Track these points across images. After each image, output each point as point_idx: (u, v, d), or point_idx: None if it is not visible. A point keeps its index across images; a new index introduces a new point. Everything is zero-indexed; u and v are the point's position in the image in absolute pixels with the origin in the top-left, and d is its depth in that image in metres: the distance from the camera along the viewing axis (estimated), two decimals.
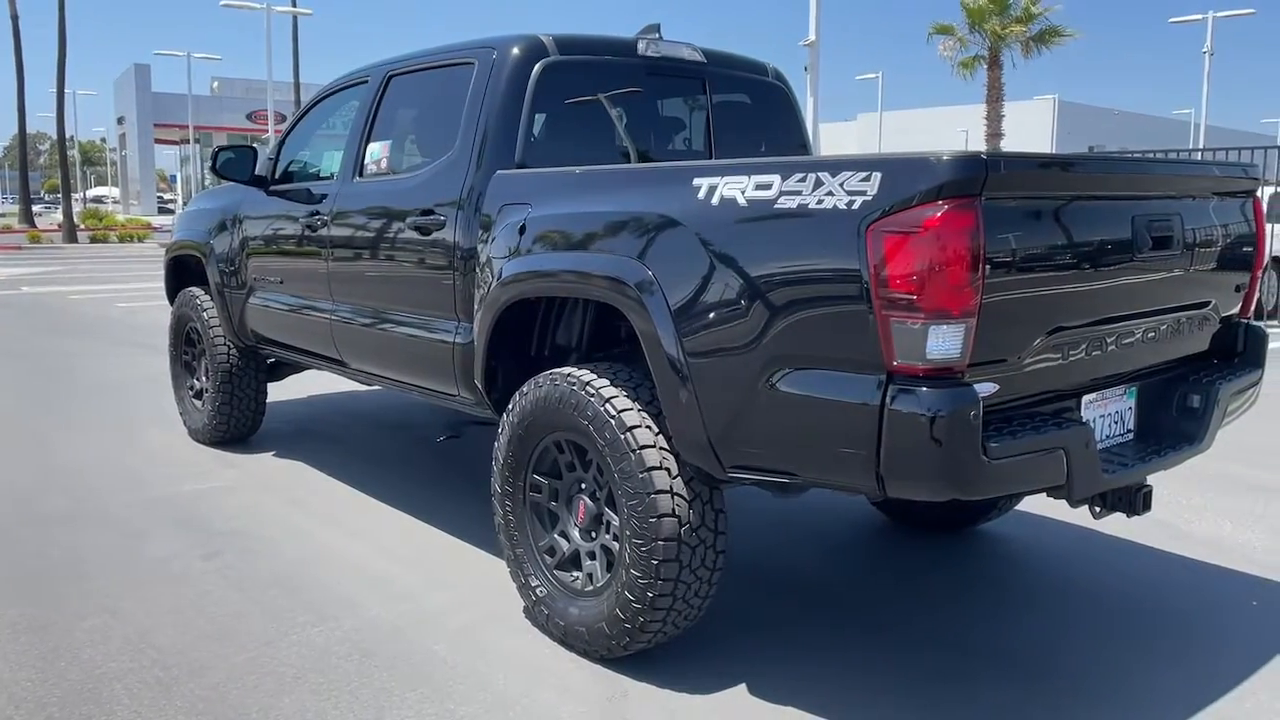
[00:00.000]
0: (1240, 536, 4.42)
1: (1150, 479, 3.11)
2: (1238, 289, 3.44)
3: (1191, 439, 3.15)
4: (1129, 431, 3.15)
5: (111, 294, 14.87)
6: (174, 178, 64.94)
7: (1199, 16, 33.62)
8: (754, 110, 4.58)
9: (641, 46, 4.08)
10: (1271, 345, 3.66)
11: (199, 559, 4.05)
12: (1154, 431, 3.18)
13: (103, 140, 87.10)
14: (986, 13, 26.57)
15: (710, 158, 4.30)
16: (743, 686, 3.04)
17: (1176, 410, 3.20)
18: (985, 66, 27.61)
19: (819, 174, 2.55)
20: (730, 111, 4.46)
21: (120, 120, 59.68)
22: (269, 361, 5.65)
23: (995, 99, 27.84)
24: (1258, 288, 3.57)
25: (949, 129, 45.73)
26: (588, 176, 3.37)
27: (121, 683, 3.02)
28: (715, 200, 2.78)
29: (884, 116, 52.00)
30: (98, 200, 64.00)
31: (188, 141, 50.84)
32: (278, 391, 6.12)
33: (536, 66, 3.74)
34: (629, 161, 3.96)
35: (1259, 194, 3.58)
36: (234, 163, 5.09)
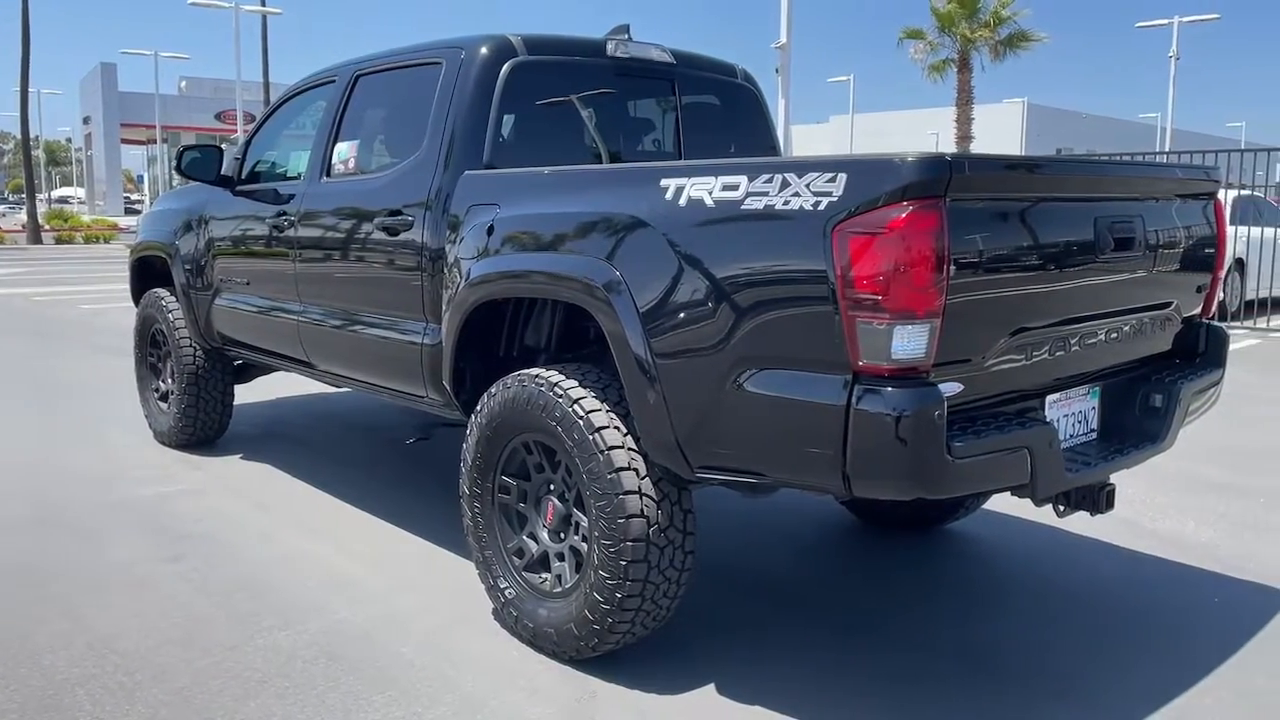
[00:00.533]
0: (1203, 534, 4.48)
1: (1113, 478, 3.14)
2: (1199, 290, 3.49)
3: (1154, 438, 3.18)
4: (1092, 431, 3.18)
5: (76, 295, 14.67)
6: (141, 178, 64.31)
7: (1165, 21, 34.17)
8: (723, 111, 4.60)
9: (610, 47, 4.08)
10: (1232, 346, 3.72)
11: (163, 563, 4.00)
12: (1117, 430, 3.22)
13: (68, 140, 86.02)
14: (955, 17, 26.78)
15: (679, 159, 4.30)
16: (711, 687, 3.04)
17: (1139, 409, 3.24)
18: (955, 70, 27.82)
19: (785, 175, 2.56)
20: (699, 113, 4.47)
21: (86, 120, 58.92)
22: (236, 363, 5.59)
23: (965, 102, 28.06)
24: (1219, 288, 3.63)
25: (920, 131, 46.08)
26: (556, 177, 3.37)
27: (84, 688, 2.98)
28: (683, 201, 2.78)
29: (856, 119, 52.29)
30: (63, 201, 63.09)
31: (155, 141, 50.35)
32: (245, 394, 6.05)
33: (505, 67, 3.73)
34: (598, 162, 3.96)
35: (1220, 196, 3.63)
36: (199, 162, 5.05)
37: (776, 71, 15.92)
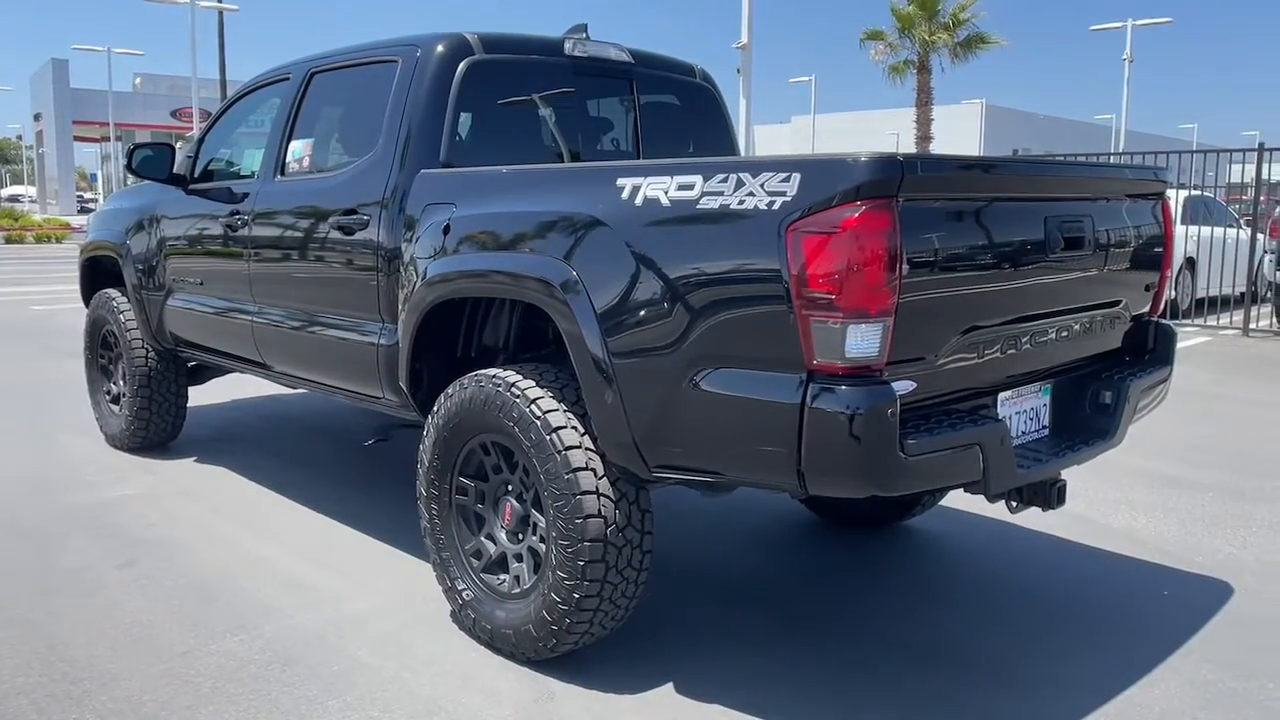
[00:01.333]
0: (1154, 528, 4.56)
1: (1065, 474, 3.19)
2: (1148, 288, 3.55)
3: (1104, 434, 3.23)
4: (1044, 428, 3.23)
5: (27, 296, 14.37)
6: (94, 176, 63.13)
7: (1119, 24, 34.75)
8: (682, 111, 4.60)
9: (568, 46, 4.06)
10: (1183, 343, 3.78)
11: (114, 568, 3.93)
12: (1068, 427, 3.27)
13: (19, 138, 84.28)
14: (915, 19, 27.02)
15: (638, 158, 4.30)
16: (669, 686, 3.04)
17: (1090, 406, 3.29)
18: (915, 71, 28.08)
19: (740, 175, 2.56)
20: (658, 112, 4.47)
21: (37, 117, 57.74)
22: (190, 365, 5.51)
23: (925, 103, 28.33)
24: (1167, 287, 3.69)
25: (881, 132, 46.49)
26: (512, 176, 3.35)
27: (29, 697, 2.92)
28: (639, 201, 2.78)
29: (817, 119, 52.69)
30: (13, 199, 61.70)
31: (109, 139, 49.47)
32: (199, 396, 5.96)
33: (461, 65, 3.70)
34: (556, 161, 3.95)
35: (1169, 196, 3.70)
36: (151, 160, 4.96)
37: (738, 72, 15.99)
